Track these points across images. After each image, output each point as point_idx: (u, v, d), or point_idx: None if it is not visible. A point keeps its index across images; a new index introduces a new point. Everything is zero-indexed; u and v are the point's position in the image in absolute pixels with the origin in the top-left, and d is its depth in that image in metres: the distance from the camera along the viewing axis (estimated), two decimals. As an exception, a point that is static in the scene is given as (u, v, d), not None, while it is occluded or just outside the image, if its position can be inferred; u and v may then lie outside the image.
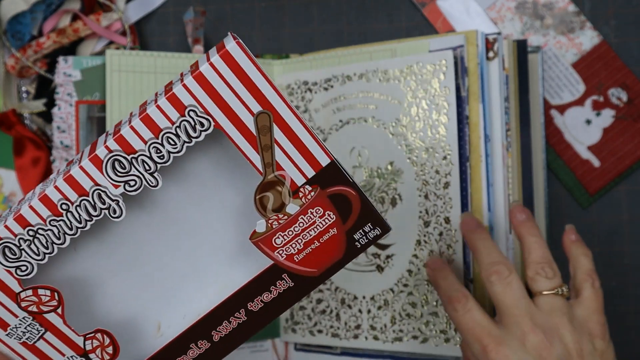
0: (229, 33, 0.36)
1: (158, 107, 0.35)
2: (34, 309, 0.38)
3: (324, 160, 0.38)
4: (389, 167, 0.60)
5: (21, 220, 0.37)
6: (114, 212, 0.37)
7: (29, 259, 0.37)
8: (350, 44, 0.69)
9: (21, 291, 0.38)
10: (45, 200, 0.37)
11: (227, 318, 0.40)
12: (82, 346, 0.40)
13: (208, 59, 0.35)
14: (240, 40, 0.35)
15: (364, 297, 0.61)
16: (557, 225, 0.67)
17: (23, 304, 0.38)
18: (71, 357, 0.40)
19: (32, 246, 0.37)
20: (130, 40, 0.67)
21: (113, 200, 0.37)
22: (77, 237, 0.38)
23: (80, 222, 0.37)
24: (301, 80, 0.65)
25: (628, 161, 0.66)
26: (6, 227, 0.37)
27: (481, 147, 0.58)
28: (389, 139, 0.60)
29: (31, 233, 0.37)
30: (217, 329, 0.41)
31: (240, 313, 0.41)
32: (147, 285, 0.43)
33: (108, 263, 0.42)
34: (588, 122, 0.67)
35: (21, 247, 0.37)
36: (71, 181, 0.36)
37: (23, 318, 0.39)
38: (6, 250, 0.37)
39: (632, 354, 0.67)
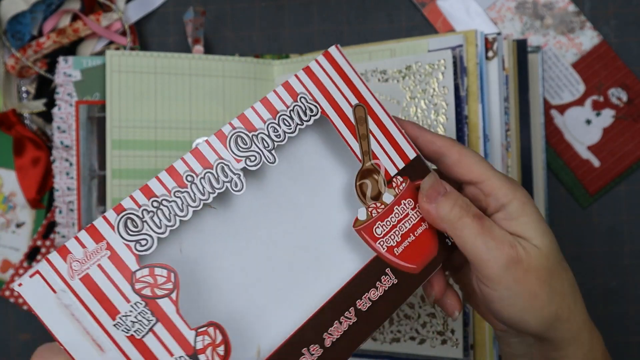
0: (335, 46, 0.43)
1: (275, 92, 0.40)
2: (147, 292, 0.36)
3: (411, 154, 0.43)
4: (388, 167, 0.60)
5: (147, 191, 0.37)
6: (236, 185, 0.39)
7: (150, 232, 0.36)
8: (350, 44, 0.69)
9: (137, 270, 0.36)
10: (171, 171, 0.37)
11: (338, 318, 0.40)
12: (192, 343, 0.36)
13: (315, 59, 0.42)
14: (339, 47, 0.42)
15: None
16: (558, 225, 0.67)
17: (137, 286, 0.36)
18: (179, 357, 0.36)
19: (155, 218, 0.37)
20: (130, 40, 0.67)
21: (235, 174, 0.39)
22: (200, 209, 0.38)
23: (203, 194, 0.38)
24: (301, 80, 0.65)
25: (628, 161, 0.66)
26: (131, 197, 0.36)
27: (480, 147, 0.58)
28: (388, 139, 0.60)
29: (155, 204, 0.37)
30: (329, 331, 0.39)
31: (350, 312, 0.40)
32: (257, 274, 0.41)
33: (221, 246, 0.41)
34: (588, 122, 0.67)
35: (144, 219, 0.36)
36: (197, 154, 0.38)
37: (135, 304, 0.36)
38: (128, 223, 0.36)
39: (632, 354, 0.67)
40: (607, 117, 0.67)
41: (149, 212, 0.36)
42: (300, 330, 0.39)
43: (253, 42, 0.70)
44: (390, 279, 0.41)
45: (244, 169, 0.39)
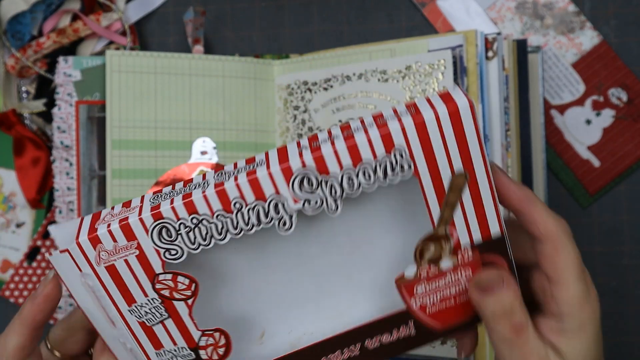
0: (455, 85, 0.35)
1: (368, 136, 0.34)
2: (166, 293, 0.36)
3: (495, 231, 0.37)
4: (388, 167, 0.60)
5: (190, 207, 0.35)
6: (284, 224, 0.36)
7: (183, 245, 0.36)
8: (350, 44, 0.69)
9: (161, 273, 0.36)
10: (221, 194, 0.35)
11: (342, 348, 0.39)
12: (196, 340, 0.38)
13: (432, 106, 0.34)
14: (471, 99, 0.34)
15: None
16: (557, 226, 0.67)
17: (157, 286, 0.36)
18: (181, 348, 0.38)
19: (191, 234, 0.35)
20: (130, 40, 0.67)
21: (287, 214, 0.35)
22: (239, 238, 0.36)
23: (247, 225, 0.35)
24: (301, 80, 0.65)
25: (628, 161, 0.66)
26: (172, 208, 0.35)
27: (480, 147, 0.58)
28: (388, 139, 0.60)
29: (195, 221, 0.35)
30: (328, 357, 0.39)
31: (355, 347, 0.39)
32: (271, 291, 0.41)
33: (245, 261, 0.40)
34: (588, 122, 0.67)
35: (179, 232, 0.35)
36: (254, 184, 0.34)
37: (152, 299, 0.36)
38: (163, 231, 0.35)
39: (632, 355, 0.67)
40: (607, 117, 0.67)
41: (186, 226, 0.35)
42: (301, 350, 0.39)
43: (253, 42, 0.70)
44: (409, 330, 0.40)
45: (299, 211, 0.35)
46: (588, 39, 0.67)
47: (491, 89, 0.59)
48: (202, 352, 0.38)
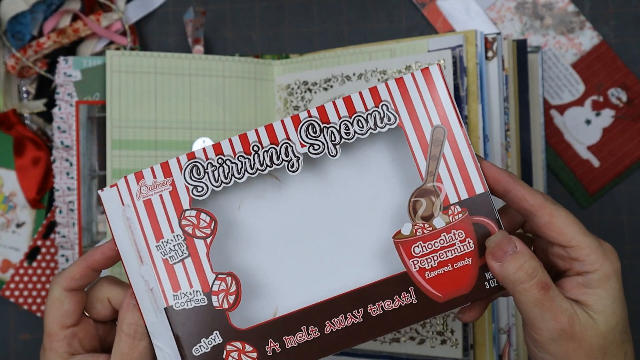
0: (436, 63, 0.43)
1: (360, 94, 0.43)
2: (189, 230, 0.42)
3: (479, 188, 0.43)
4: (388, 167, 0.60)
5: (217, 149, 0.43)
6: (292, 166, 0.43)
7: (208, 183, 0.43)
8: (350, 44, 0.69)
9: (188, 209, 0.43)
10: (242, 138, 0.43)
11: (345, 312, 0.42)
12: (210, 284, 0.42)
13: (411, 74, 0.43)
14: (442, 65, 0.44)
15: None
16: (557, 226, 0.67)
17: (183, 222, 0.42)
18: (196, 291, 0.42)
19: (216, 173, 0.43)
20: (130, 41, 0.67)
21: (295, 157, 0.43)
22: (254, 177, 0.43)
23: (261, 166, 0.43)
24: (301, 80, 0.65)
25: (628, 161, 0.66)
26: (203, 150, 0.43)
27: (480, 147, 0.58)
28: (388, 139, 0.60)
29: (220, 161, 0.43)
30: (332, 320, 0.42)
31: (358, 312, 0.42)
32: (290, 247, 0.44)
33: (262, 214, 0.44)
34: (588, 122, 0.67)
35: (207, 170, 0.43)
36: (269, 129, 0.43)
37: (177, 235, 0.42)
38: (194, 170, 0.43)
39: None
40: (607, 117, 0.67)
41: (212, 165, 0.43)
42: (307, 309, 0.42)
43: (253, 42, 0.70)
44: (410, 297, 0.42)
45: (305, 155, 0.43)
46: (588, 39, 0.67)
47: (491, 89, 0.59)
48: (214, 298, 0.42)
